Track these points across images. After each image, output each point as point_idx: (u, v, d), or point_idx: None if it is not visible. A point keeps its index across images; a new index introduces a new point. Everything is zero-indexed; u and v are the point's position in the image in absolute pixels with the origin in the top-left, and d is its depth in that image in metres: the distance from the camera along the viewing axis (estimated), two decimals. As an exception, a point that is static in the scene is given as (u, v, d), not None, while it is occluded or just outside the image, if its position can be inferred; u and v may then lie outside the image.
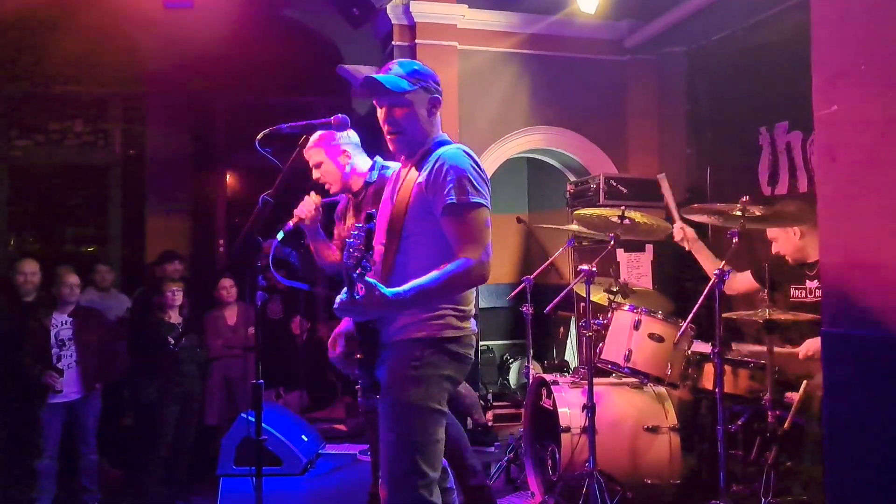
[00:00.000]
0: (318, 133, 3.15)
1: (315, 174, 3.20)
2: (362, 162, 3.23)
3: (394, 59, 5.50)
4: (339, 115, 2.37)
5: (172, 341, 4.50)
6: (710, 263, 3.72)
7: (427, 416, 2.09)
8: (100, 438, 4.74)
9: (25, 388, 4.52)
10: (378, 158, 3.33)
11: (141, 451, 4.73)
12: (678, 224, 3.84)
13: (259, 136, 2.69)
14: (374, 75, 2.21)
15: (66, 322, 4.63)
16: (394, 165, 3.20)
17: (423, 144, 2.23)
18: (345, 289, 1.95)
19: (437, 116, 2.28)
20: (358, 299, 1.94)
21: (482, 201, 2.09)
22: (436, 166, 2.11)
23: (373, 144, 6.51)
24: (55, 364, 4.50)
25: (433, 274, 2.03)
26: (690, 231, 3.82)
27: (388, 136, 2.25)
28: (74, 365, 4.60)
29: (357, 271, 1.87)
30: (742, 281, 3.79)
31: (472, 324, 2.22)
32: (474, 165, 2.13)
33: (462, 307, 2.17)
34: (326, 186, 3.20)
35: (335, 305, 2.01)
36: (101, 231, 7.57)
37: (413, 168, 2.22)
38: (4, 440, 4.60)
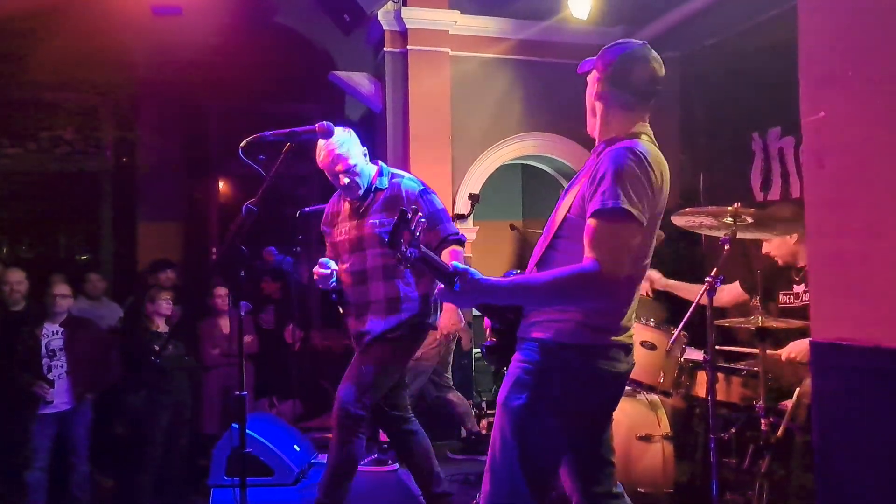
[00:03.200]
0: (339, 137, 3.12)
1: (344, 179, 3.15)
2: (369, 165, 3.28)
3: (385, 65, 5.58)
4: (324, 122, 2.35)
5: (157, 349, 4.47)
6: (687, 291, 3.73)
7: (530, 428, 1.93)
8: (91, 449, 4.70)
9: (16, 398, 4.49)
10: (382, 164, 3.33)
11: (131, 461, 4.70)
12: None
13: (242, 144, 2.67)
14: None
15: (56, 332, 4.60)
16: (403, 174, 3.30)
17: (607, 136, 2.04)
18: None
19: (637, 118, 2.05)
20: (455, 287, 1.86)
21: (628, 208, 1.82)
22: (598, 166, 1.93)
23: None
24: (45, 374, 4.47)
25: (548, 273, 1.89)
26: (654, 272, 3.84)
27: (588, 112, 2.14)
28: (65, 375, 4.56)
29: (401, 255, 1.82)
30: (729, 292, 3.77)
31: (617, 337, 1.97)
32: (637, 167, 1.88)
33: (602, 314, 1.95)
34: (356, 193, 3.18)
35: (435, 292, 1.96)
36: (92, 239, 7.53)
37: (596, 158, 2.02)
38: (-5, 451, 4.57)
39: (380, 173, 3.26)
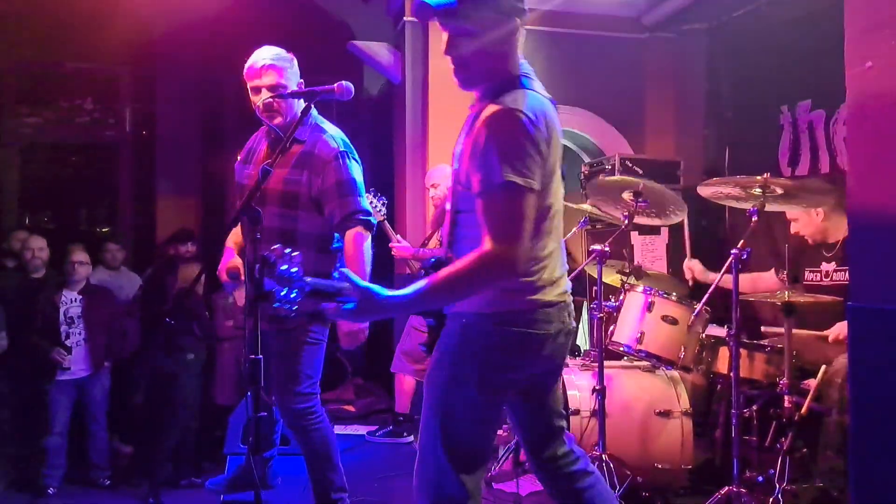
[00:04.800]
0: (277, 51, 2.84)
1: (262, 97, 2.77)
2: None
3: (405, 35, 5.48)
4: (343, 82, 2.29)
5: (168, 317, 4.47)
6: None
7: (452, 403, 1.87)
8: (110, 416, 4.74)
9: (34, 364, 4.53)
10: (314, 112, 2.86)
11: (148, 428, 4.73)
12: (686, 263, 3.96)
13: (260, 103, 2.61)
14: None
15: (75, 299, 4.62)
16: (328, 129, 2.85)
17: (487, 82, 1.86)
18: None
19: (514, 44, 1.88)
20: (349, 307, 1.72)
21: (518, 180, 1.71)
22: (478, 129, 1.77)
23: (384, 126, 6.44)
24: (63, 341, 4.50)
25: (448, 269, 1.77)
26: (696, 263, 3.88)
27: (453, 71, 1.91)
28: (83, 343, 4.59)
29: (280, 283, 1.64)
30: (767, 281, 3.70)
31: (540, 295, 1.85)
32: (518, 131, 1.74)
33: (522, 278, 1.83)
34: (275, 120, 2.78)
35: (327, 314, 1.80)
36: (111, 210, 7.57)
37: (477, 117, 1.84)
38: (14, 417, 4.62)
39: (305, 121, 2.78)
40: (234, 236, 3.00)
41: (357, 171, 2.79)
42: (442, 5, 1.80)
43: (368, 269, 2.73)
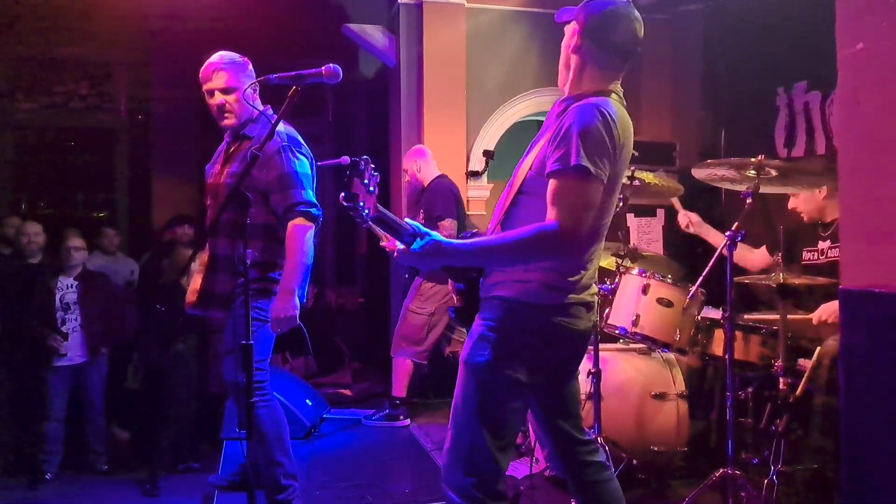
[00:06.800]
0: (230, 55, 2.92)
1: (218, 99, 2.87)
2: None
3: (399, 18, 5.44)
4: (331, 65, 2.26)
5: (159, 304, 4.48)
6: (717, 238, 3.63)
7: (492, 383, 1.94)
8: (108, 402, 4.75)
9: (31, 350, 4.54)
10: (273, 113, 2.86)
11: (145, 414, 4.75)
12: (682, 212, 3.81)
13: (246, 87, 2.60)
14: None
15: (71, 285, 4.62)
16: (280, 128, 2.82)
17: (583, 90, 2.00)
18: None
19: (620, 75, 2.03)
20: (412, 248, 1.84)
21: (590, 167, 1.81)
22: (562, 122, 1.90)
23: (380, 109, 6.39)
24: (59, 327, 4.50)
25: (511, 232, 1.90)
26: (694, 215, 3.78)
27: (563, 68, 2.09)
28: (79, 329, 4.60)
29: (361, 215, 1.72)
30: (759, 256, 3.70)
31: (577, 295, 1.96)
32: (601, 125, 1.86)
33: (563, 274, 1.94)
34: (228, 121, 2.88)
35: (395, 254, 1.94)
36: (107, 195, 7.55)
37: (561, 113, 1.99)
38: (11, 403, 4.63)
39: (257, 120, 2.89)
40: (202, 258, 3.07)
41: (301, 165, 2.85)
42: (576, 17, 2.01)
43: (308, 259, 2.77)
